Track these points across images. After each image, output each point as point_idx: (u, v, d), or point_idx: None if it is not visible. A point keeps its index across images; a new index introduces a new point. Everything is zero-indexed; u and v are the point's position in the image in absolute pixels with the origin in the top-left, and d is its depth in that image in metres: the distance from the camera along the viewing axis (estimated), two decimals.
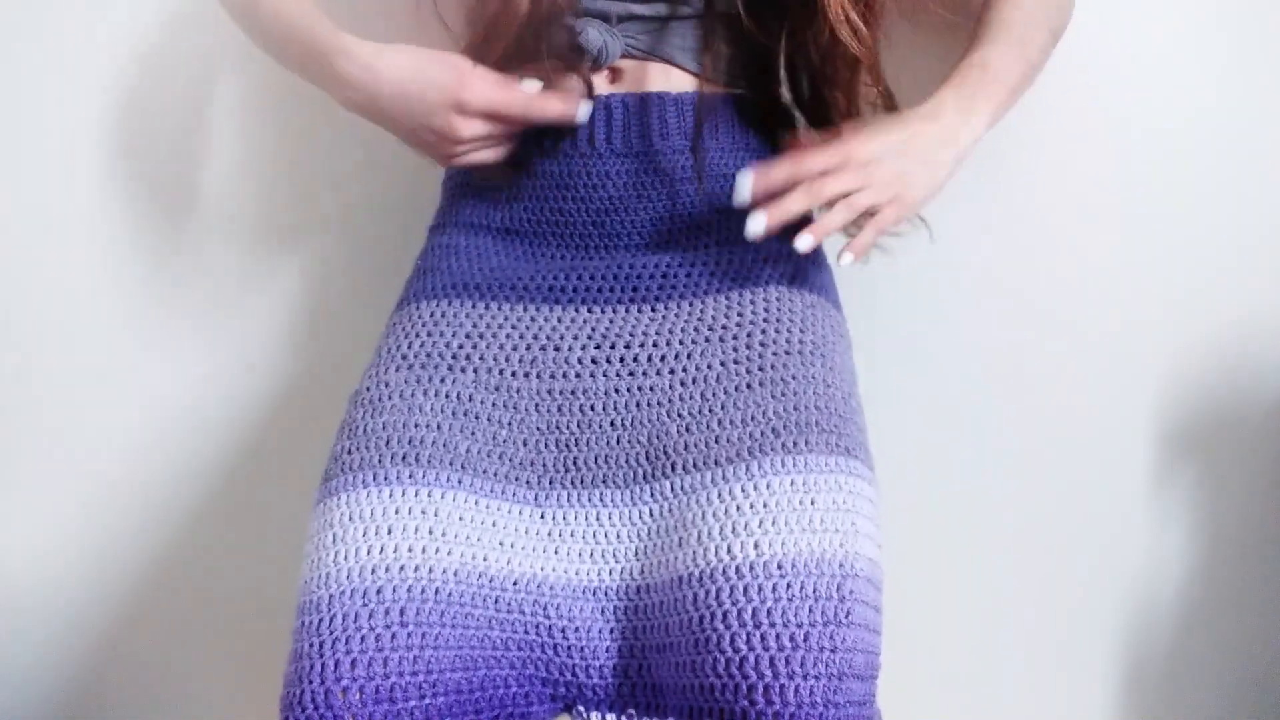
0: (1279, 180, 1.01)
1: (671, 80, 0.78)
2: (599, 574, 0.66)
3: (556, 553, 0.66)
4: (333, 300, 1.05)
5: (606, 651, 0.64)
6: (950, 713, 1.12)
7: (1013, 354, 1.04)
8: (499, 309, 0.75)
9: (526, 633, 0.63)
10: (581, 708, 0.64)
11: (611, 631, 0.65)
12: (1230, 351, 1.04)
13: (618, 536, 0.67)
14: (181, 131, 1.02)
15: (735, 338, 0.71)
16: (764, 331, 0.71)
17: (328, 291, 1.05)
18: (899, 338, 1.02)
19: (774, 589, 0.58)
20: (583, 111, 0.74)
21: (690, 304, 0.74)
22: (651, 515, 0.67)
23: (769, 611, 0.58)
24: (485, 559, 0.63)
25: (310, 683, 0.56)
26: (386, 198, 1.02)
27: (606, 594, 0.66)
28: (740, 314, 0.73)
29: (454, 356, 0.71)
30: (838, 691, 0.57)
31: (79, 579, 1.11)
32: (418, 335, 0.73)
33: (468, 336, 0.73)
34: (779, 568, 0.59)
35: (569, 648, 0.64)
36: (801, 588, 0.58)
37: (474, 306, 0.75)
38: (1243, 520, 1.06)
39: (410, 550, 0.60)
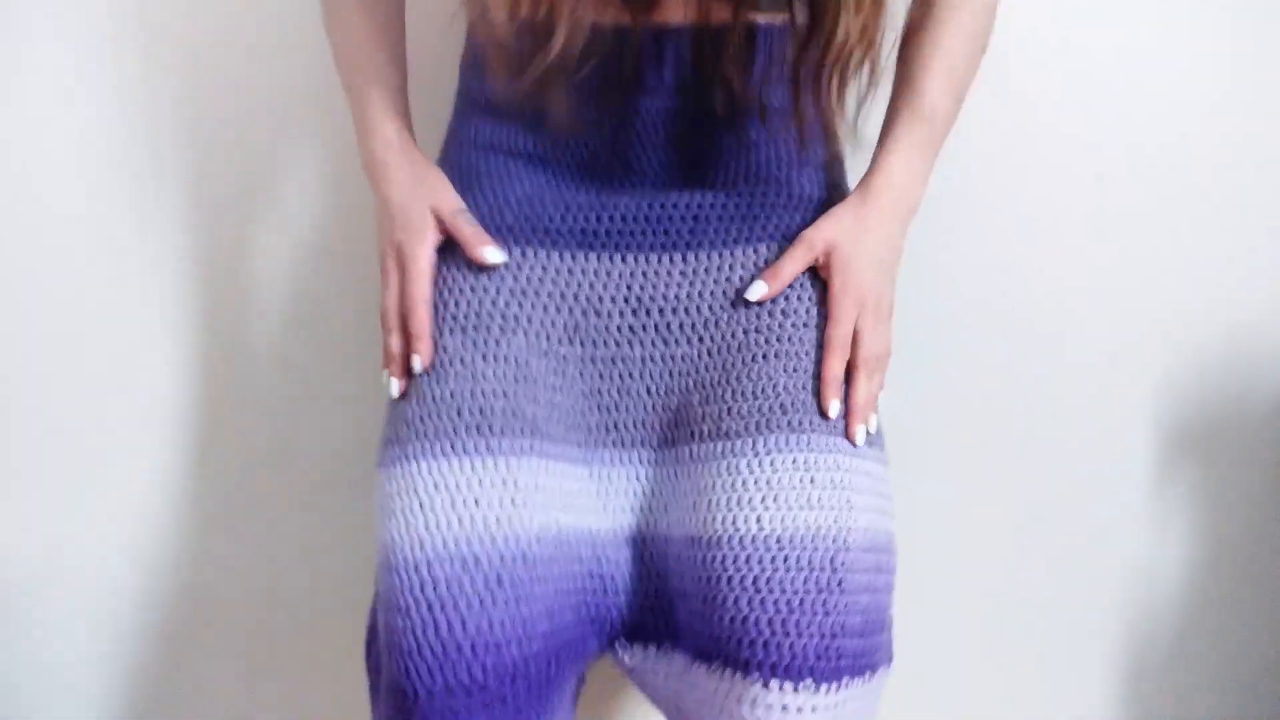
0: (1279, 180, 1.01)
1: (688, 10, 0.75)
2: (636, 525, 0.75)
3: (604, 508, 0.74)
4: (334, 300, 1.06)
5: (638, 593, 0.74)
6: (951, 712, 1.12)
7: (1013, 354, 1.04)
8: (535, 257, 0.77)
9: (586, 580, 0.72)
10: (625, 640, 0.74)
11: (643, 576, 0.74)
12: (1230, 351, 1.04)
13: (651, 493, 0.75)
14: (184, 126, 1.03)
15: (759, 303, 0.76)
16: (785, 299, 0.76)
17: (330, 291, 1.05)
18: (899, 338, 1.02)
19: (773, 560, 0.66)
20: (491, 255, 0.75)
21: (720, 255, 0.77)
22: (674, 476, 0.74)
23: (768, 579, 0.66)
24: (558, 521, 0.70)
25: (428, 638, 0.64)
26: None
27: (642, 542, 0.74)
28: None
29: (503, 317, 0.75)
30: (830, 649, 0.65)
31: (79, 579, 1.11)
32: (462, 292, 0.76)
33: (511, 294, 0.76)
34: (778, 541, 0.66)
35: (615, 590, 0.73)
36: (798, 560, 0.66)
37: (511, 255, 0.77)
38: (1243, 520, 1.06)
39: (498, 520, 0.67)
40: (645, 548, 0.74)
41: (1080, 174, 1.01)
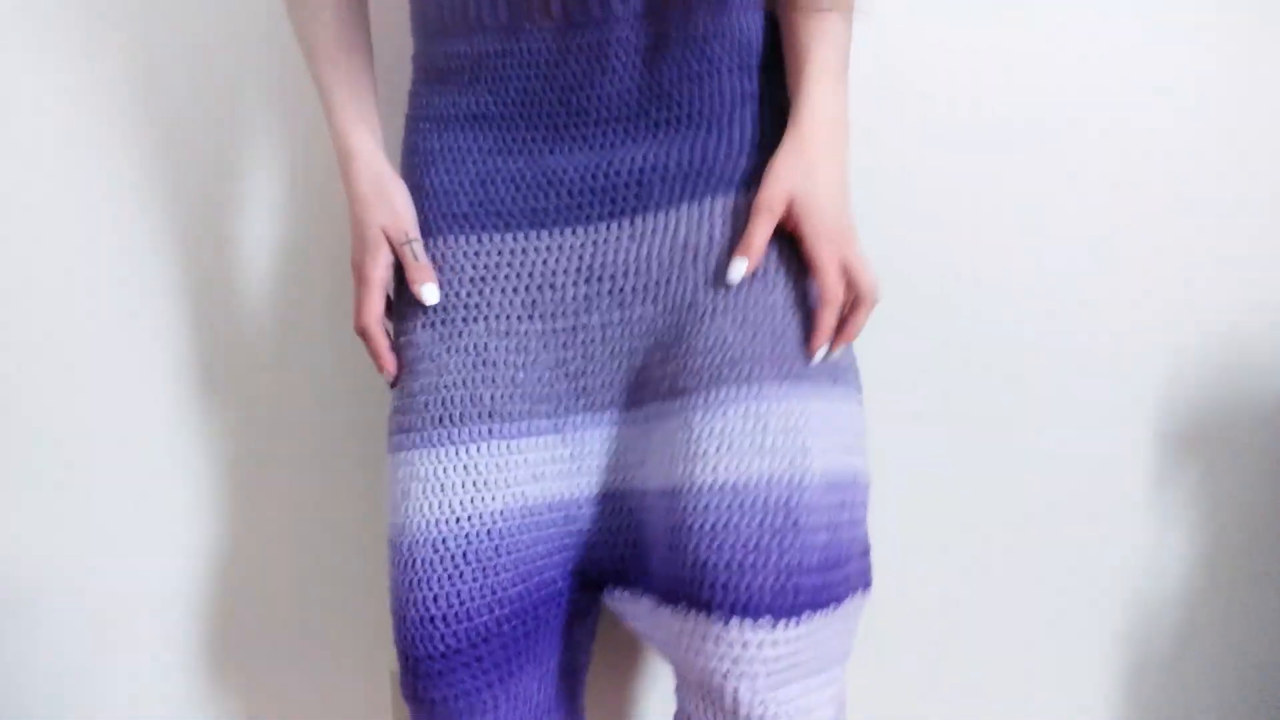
0: (1278, 180, 1.01)
1: None
2: (610, 482, 0.80)
3: (579, 470, 0.80)
4: (329, 296, 1.06)
5: (615, 544, 0.80)
6: (951, 712, 1.12)
7: (1014, 354, 1.04)
8: (491, 242, 0.81)
9: (563, 539, 0.79)
10: (611, 586, 0.81)
11: (619, 528, 0.80)
12: (1230, 351, 1.04)
13: (624, 449, 0.80)
14: (177, 128, 1.03)
15: (705, 259, 0.78)
16: (729, 253, 0.77)
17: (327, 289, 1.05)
18: (899, 339, 1.03)
19: (728, 506, 0.71)
20: (428, 294, 0.79)
21: (665, 214, 0.79)
22: (643, 434, 0.79)
23: (725, 525, 0.70)
24: (524, 494, 0.77)
25: (413, 612, 0.74)
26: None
27: (618, 496, 0.80)
28: (710, 232, 0.78)
29: (465, 307, 0.79)
30: (786, 586, 0.70)
31: (79, 579, 1.11)
32: None
33: (472, 282, 0.80)
34: (733, 488, 0.71)
35: (592, 544, 0.81)
36: (753, 504, 0.70)
37: (468, 243, 0.81)
38: (1243, 520, 1.07)
39: (461, 504, 0.75)
40: (620, 501, 0.80)
41: (1080, 174, 1.01)
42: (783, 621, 0.70)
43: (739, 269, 0.75)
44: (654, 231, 0.79)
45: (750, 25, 0.79)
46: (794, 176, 0.76)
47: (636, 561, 0.79)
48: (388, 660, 1.11)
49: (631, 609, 0.80)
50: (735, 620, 0.69)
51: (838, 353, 0.78)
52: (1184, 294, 1.03)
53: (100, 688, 1.13)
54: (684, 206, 0.78)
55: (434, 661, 0.74)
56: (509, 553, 0.76)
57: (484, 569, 0.75)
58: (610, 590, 0.82)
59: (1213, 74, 0.99)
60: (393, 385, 0.82)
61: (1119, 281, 1.03)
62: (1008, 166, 1.01)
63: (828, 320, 0.75)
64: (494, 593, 0.75)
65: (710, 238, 0.78)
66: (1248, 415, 1.05)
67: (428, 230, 0.82)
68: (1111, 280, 1.03)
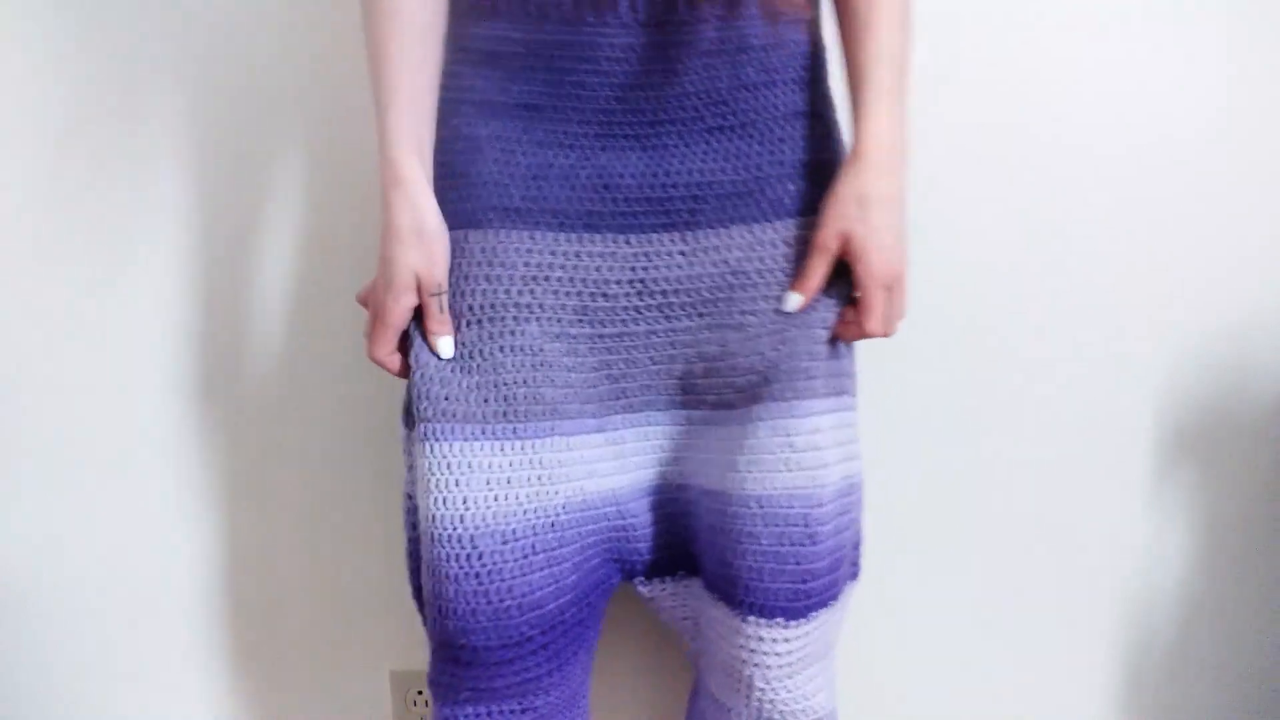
0: (1278, 180, 1.01)
1: None
2: (650, 477, 0.85)
3: (622, 467, 0.84)
4: (336, 298, 1.06)
5: (657, 534, 0.86)
6: (951, 712, 1.12)
7: (1014, 354, 1.04)
8: (544, 240, 0.80)
9: (609, 530, 0.83)
10: (642, 578, 0.86)
11: (660, 519, 0.86)
12: (1230, 351, 1.04)
13: (662, 448, 0.85)
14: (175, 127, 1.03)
15: (754, 285, 0.80)
16: (779, 281, 0.80)
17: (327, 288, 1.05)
18: (900, 339, 1.02)
19: (753, 518, 0.78)
20: (444, 348, 0.78)
21: (718, 234, 0.81)
22: (683, 434, 0.84)
23: (749, 533, 0.78)
24: (581, 488, 0.80)
25: (480, 604, 0.76)
26: None
27: (656, 490, 0.86)
28: (760, 258, 0.80)
29: (516, 306, 0.79)
30: (798, 592, 0.79)
31: (79, 579, 1.11)
32: (476, 282, 0.79)
33: (524, 281, 0.79)
34: (758, 501, 0.78)
35: (634, 535, 0.84)
36: (775, 517, 0.78)
37: (520, 240, 0.80)
38: (1243, 520, 1.07)
39: (528, 497, 0.78)
40: (663, 494, 0.86)
41: (1080, 174, 1.01)
42: (793, 622, 0.79)
43: (795, 303, 0.79)
44: (705, 250, 0.80)
45: (801, 39, 0.80)
46: (848, 216, 0.77)
47: (680, 549, 0.86)
48: (388, 660, 1.11)
49: (676, 592, 0.87)
50: (753, 618, 0.79)
51: (851, 362, 0.83)
52: (1184, 294, 1.03)
53: (101, 687, 1.13)
54: (735, 229, 0.80)
55: (508, 650, 0.77)
56: (569, 544, 0.79)
57: (548, 559, 0.78)
58: (647, 583, 0.87)
59: (1213, 74, 0.99)
60: (422, 376, 0.79)
61: (1119, 282, 1.03)
62: (1007, 167, 1.01)
63: (848, 336, 0.80)
64: (557, 581, 0.78)
65: (761, 263, 0.80)
66: (1248, 415, 1.05)
67: (476, 222, 0.79)
68: (1111, 280, 1.03)
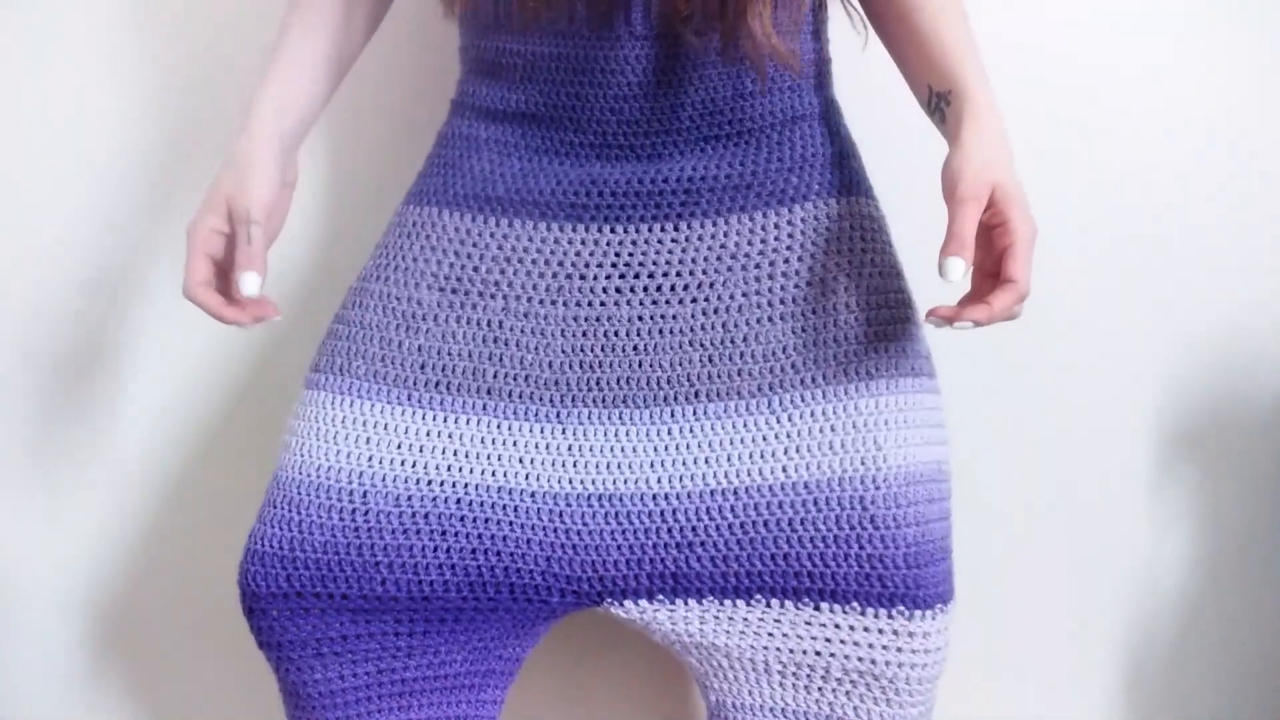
0: (1278, 180, 1.01)
1: None
2: (614, 482, 0.76)
3: (575, 465, 0.76)
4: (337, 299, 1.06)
5: (618, 549, 0.75)
6: (951, 712, 1.12)
7: (1013, 354, 1.04)
8: (523, 228, 0.78)
9: (545, 535, 0.75)
10: (611, 600, 0.75)
11: (624, 533, 0.75)
12: (1230, 351, 1.04)
13: (635, 450, 0.76)
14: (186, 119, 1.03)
15: (758, 266, 0.76)
16: (786, 260, 0.76)
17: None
18: None
19: (803, 504, 0.72)
20: (246, 284, 0.73)
21: (714, 224, 0.77)
22: (671, 434, 0.76)
23: (801, 521, 0.72)
24: (505, 475, 0.75)
25: (347, 555, 0.73)
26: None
27: (620, 500, 0.75)
28: (764, 240, 0.77)
29: (484, 282, 0.77)
30: (869, 574, 0.71)
31: (80, 578, 1.11)
32: (446, 255, 0.78)
33: (495, 260, 0.78)
34: (805, 488, 0.72)
35: (585, 547, 0.75)
36: (827, 502, 0.72)
37: (498, 225, 0.79)
38: (1243, 520, 1.07)
39: (438, 468, 0.74)
40: (625, 505, 0.75)
41: (1080, 173, 1.01)
42: (871, 610, 0.72)
43: (958, 269, 0.66)
44: (700, 238, 0.77)
45: (807, 48, 0.79)
46: (995, 163, 0.69)
47: (661, 567, 0.74)
48: None
49: (664, 617, 0.75)
50: (825, 604, 0.72)
51: (916, 344, 0.77)
52: (1184, 294, 1.03)
53: (99, 687, 1.14)
54: (733, 218, 0.78)
55: (366, 601, 0.73)
56: (472, 524, 0.74)
57: (442, 533, 0.74)
58: (621, 605, 0.75)
59: (1213, 73, 0.99)
60: (359, 326, 0.77)
61: (1119, 281, 1.03)
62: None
63: (982, 318, 0.68)
64: (447, 554, 0.74)
65: (764, 243, 0.77)
66: (1248, 415, 1.05)
67: (456, 204, 0.80)
68: (1111, 279, 1.03)
